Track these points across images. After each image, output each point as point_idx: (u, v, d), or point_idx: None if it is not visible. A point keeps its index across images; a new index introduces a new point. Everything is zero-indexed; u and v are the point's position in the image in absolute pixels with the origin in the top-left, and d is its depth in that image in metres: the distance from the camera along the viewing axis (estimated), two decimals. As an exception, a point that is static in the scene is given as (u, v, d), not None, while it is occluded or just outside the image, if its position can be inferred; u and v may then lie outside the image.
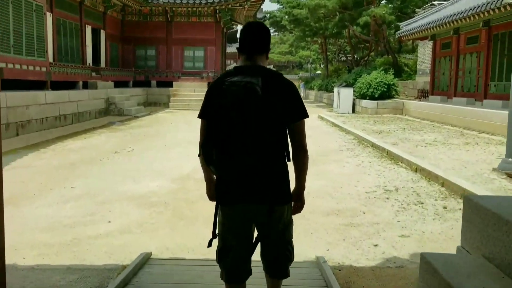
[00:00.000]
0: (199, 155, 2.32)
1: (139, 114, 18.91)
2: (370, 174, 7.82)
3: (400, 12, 33.19)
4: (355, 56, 44.21)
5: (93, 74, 19.51)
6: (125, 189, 6.55)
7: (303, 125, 2.30)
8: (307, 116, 2.29)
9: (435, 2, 22.91)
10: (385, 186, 6.96)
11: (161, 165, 8.44)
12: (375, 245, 4.45)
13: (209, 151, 2.20)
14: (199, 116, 2.31)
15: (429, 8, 23.06)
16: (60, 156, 9.22)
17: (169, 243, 4.43)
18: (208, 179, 2.49)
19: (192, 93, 24.67)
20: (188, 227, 4.95)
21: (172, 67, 26.10)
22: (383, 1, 34.01)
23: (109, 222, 5.03)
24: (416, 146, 10.24)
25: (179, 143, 11.21)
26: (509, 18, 14.00)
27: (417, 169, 7.95)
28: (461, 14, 15.25)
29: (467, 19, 15.01)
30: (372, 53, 43.65)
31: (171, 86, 25.18)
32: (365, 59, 44.50)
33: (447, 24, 16.52)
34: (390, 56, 32.68)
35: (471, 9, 14.23)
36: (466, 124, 14.02)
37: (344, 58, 51.22)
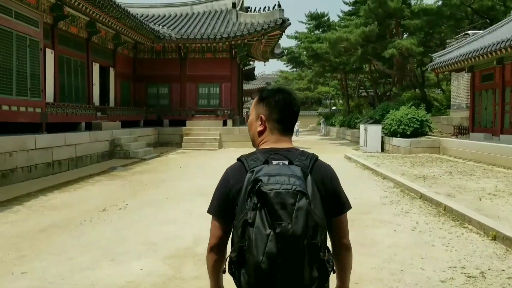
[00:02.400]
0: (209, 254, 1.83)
1: (147, 156, 17.20)
2: (434, 244, 5.75)
3: (423, 46, 31.56)
4: (378, 91, 42.40)
5: (99, 114, 18.01)
6: (95, 277, 4.63)
7: (346, 218, 1.83)
8: (351, 207, 1.83)
9: (469, 32, 21.11)
10: (464, 267, 4.89)
11: (156, 231, 6.51)
12: None
13: (239, 270, 1.65)
14: (212, 213, 1.82)
15: (463, 39, 21.25)
16: (34, 217, 7.39)
17: None
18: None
19: (206, 132, 23.03)
20: None
21: (186, 105, 24.62)
22: (405, 35, 32.42)
23: None
24: (480, 199, 8.14)
25: (184, 196, 9.32)
26: None
27: (496, 236, 5.86)
28: (509, 41, 13.34)
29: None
30: (394, 88, 41.94)
31: (184, 125, 23.63)
32: (388, 94, 42.74)
33: (490, 54, 14.61)
34: (417, 90, 30.81)
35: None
36: (525, 166, 11.87)
37: (365, 94, 49.62)
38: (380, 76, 42.09)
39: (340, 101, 61.43)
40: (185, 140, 22.51)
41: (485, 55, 14.70)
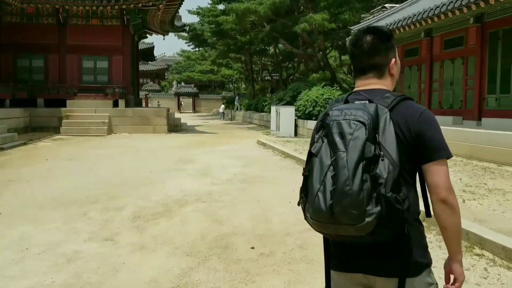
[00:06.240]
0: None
1: (7, 144, 13.14)
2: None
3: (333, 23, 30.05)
4: (282, 75, 40.84)
5: None
6: None
7: (439, 167, 1.61)
8: (447, 156, 1.61)
9: (387, 5, 19.62)
10: None
11: None
12: None
13: None
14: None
15: (380, 12, 19.72)
16: None
17: None
18: None
19: (92, 114, 19.15)
20: None
21: (67, 81, 20.45)
22: (311, 13, 30.78)
23: None
24: (464, 201, 5.91)
25: (31, 207, 5.99)
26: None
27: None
28: (442, 7, 11.58)
29: (454, 13, 11.35)
30: (297, 73, 40.78)
31: (64, 105, 19.47)
32: (291, 78, 41.55)
33: (424, 22, 12.82)
34: (327, 72, 29.36)
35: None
36: (471, 152, 10.12)
37: (269, 77, 48.13)
38: (284, 59, 40.65)
39: (243, 85, 59.58)
40: (65, 124, 18.44)
41: (417, 23, 12.90)
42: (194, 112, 59.74)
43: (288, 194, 6.83)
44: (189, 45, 53.65)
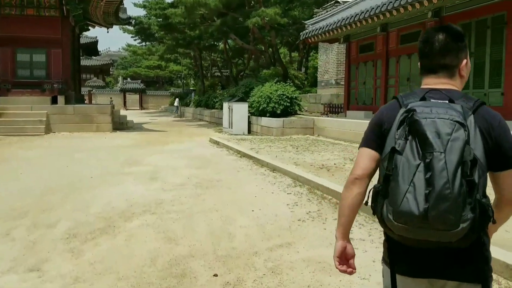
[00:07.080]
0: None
1: None
2: None
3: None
4: (232, 71, 40.14)
5: None
6: None
7: None
8: None
9: (340, 0, 19.34)
10: None
11: None
12: None
13: None
14: (362, 145, 1.76)
15: (333, 7, 19.40)
16: None
17: None
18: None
19: (28, 111, 17.58)
20: None
21: (-1, 76, 18.68)
22: (263, 7, 30.24)
23: None
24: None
25: None
26: (480, 2, 10.32)
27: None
28: (402, 0, 11.25)
29: (414, 6, 11.04)
30: (247, 70, 40.28)
31: (-4, 102, 17.79)
32: (242, 74, 40.97)
33: (377, 17, 12.50)
34: (279, 68, 28.89)
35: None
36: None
37: (218, 74, 47.35)
38: (234, 55, 40.00)
39: (193, 81, 58.38)
40: (-3, 123, 16.81)
41: (375, 17, 12.49)
42: (141, 109, 57.77)
43: (249, 201, 6.11)
44: (135, 40, 51.64)
